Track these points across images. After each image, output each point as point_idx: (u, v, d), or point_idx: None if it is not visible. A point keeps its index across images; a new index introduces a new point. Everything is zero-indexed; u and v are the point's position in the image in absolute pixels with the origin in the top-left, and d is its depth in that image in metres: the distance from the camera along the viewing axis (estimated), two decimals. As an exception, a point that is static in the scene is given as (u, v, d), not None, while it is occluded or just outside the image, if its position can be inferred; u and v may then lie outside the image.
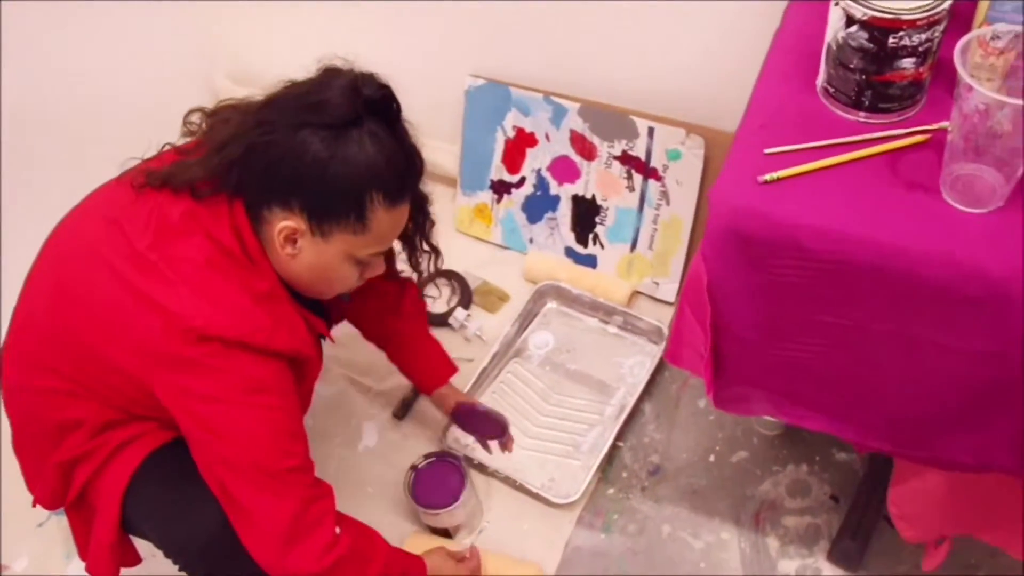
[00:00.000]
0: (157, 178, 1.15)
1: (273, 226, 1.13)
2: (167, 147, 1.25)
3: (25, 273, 1.27)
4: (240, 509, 1.14)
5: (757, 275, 1.01)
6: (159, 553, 1.29)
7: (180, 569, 1.26)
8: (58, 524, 1.71)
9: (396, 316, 1.55)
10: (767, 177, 1.00)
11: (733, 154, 1.04)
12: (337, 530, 1.17)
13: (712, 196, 1.01)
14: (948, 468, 1.15)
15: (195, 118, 1.23)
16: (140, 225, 1.13)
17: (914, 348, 1.01)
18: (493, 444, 1.63)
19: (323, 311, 1.37)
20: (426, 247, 1.39)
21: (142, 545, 1.34)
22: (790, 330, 1.05)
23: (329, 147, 1.07)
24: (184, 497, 1.19)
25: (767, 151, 1.03)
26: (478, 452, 1.68)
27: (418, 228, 1.34)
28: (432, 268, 1.42)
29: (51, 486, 1.30)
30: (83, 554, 1.34)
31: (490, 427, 1.59)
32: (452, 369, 1.61)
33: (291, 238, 1.13)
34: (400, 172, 1.14)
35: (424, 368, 1.61)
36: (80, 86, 1.95)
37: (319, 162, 1.07)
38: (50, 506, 1.34)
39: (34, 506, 1.37)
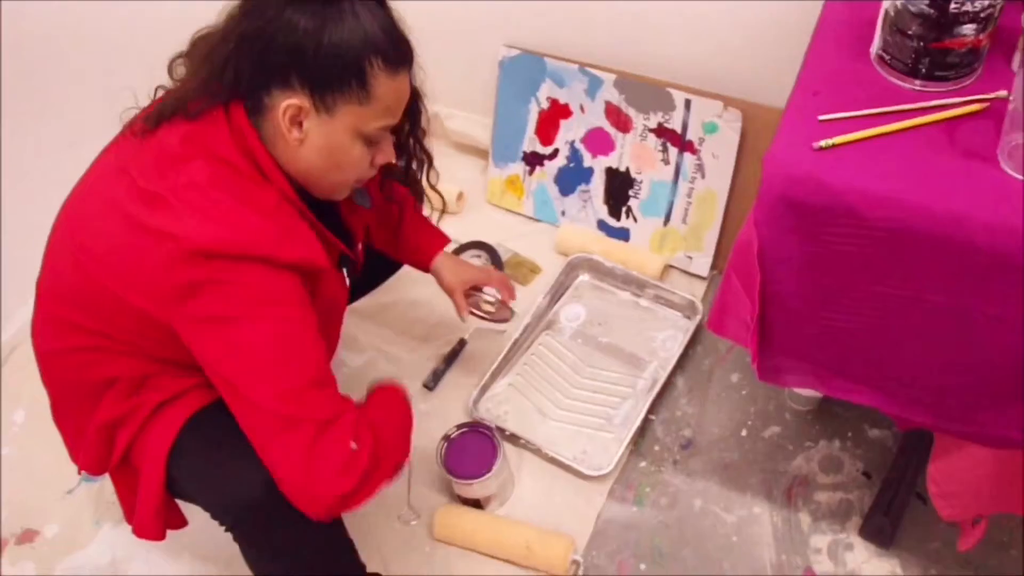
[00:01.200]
0: (153, 118, 1.14)
1: (276, 112, 1.10)
2: (160, 91, 1.23)
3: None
4: (264, 446, 1.13)
5: (810, 243, 1.00)
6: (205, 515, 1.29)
7: (227, 530, 1.26)
8: (87, 491, 1.72)
9: (399, 225, 1.56)
10: (822, 143, 0.98)
11: (786, 121, 1.03)
12: (353, 445, 1.14)
13: (766, 162, 1.00)
14: (994, 444, 1.13)
15: (179, 62, 1.21)
16: (146, 165, 1.12)
17: (967, 320, 1.00)
18: (497, 306, 1.63)
19: (345, 235, 1.36)
20: (420, 153, 1.38)
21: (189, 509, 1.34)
22: (840, 300, 1.04)
23: (320, 18, 1.06)
24: (229, 457, 1.19)
25: (821, 118, 1.02)
26: (510, 423, 1.68)
27: (412, 128, 1.33)
28: (426, 177, 1.43)
29: (94, 451, 1.30)
30: (129, 517, 1.35)
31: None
32: (445, 239, 1.62)
33: (296, 119, 1.11)
34: (395, 39, 1.12)
35: (418, 245, 1.60)
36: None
37: (312, 32, 1.06)
38: (95, 471, 1.34)
39: (79, 473, 1.38)
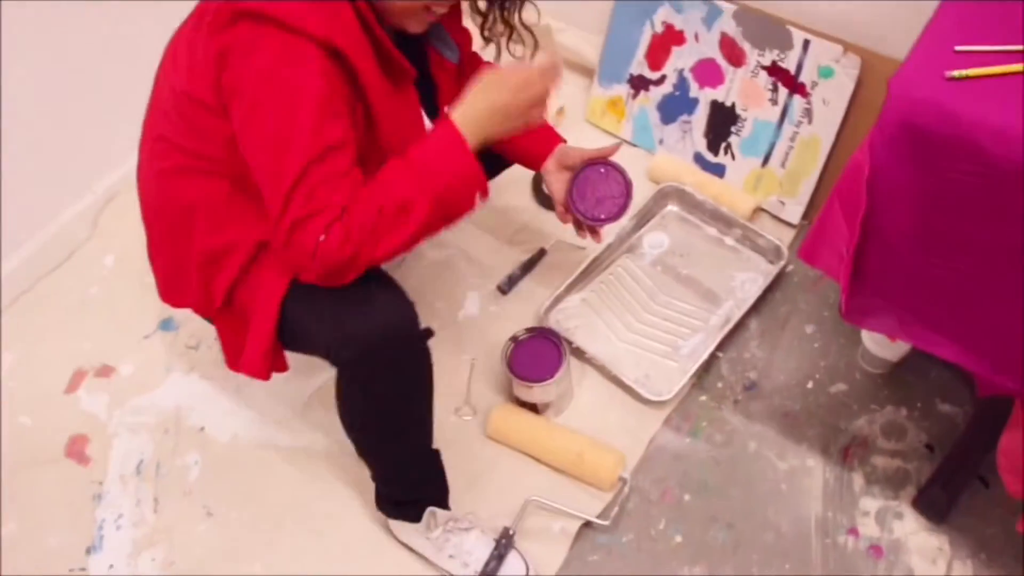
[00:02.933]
0: None
1: None
2: None
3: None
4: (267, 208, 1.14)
5: (926, 176, 0.96)
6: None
7: (340, 367, 1.26)
8: (162, 338, 1.79)
9: None
10: (955, 73, 0.95)
11: (920, 47, 0.99)
12: (321, 237, 1.10)
13: (892, 84, 0.96)
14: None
15: None
16: None
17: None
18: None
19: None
20: None
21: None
22: (946, 242, 1.01)
23: None
24: (354, 297, 1.19)
25: (958, 48, 0.98)
26: (578, 337, 1.69)
27: None
28: (518, 14, 1.40)
29: (197, 290, 1.34)
30: (231, 360, 1.38)
31: (609, 199, 1.48)
32: (558, 138, 1.54)
33: None
34: None
35: (530, 142, 1.53)
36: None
37: None
38: (201, 311, 1.39)
39: (178, 307, 1.43)
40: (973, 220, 0.98)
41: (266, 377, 1.31)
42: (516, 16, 1.42)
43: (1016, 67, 0.96)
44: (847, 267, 1.08)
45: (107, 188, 1.99)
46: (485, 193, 1.23)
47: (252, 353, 1.29)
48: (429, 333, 1.29)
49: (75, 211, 1.95)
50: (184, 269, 1.33)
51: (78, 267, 1.93)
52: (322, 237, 1.10)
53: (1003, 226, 0.96)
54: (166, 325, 1.80)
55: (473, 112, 1.20)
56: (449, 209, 1.19)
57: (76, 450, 1.64)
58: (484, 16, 1.43)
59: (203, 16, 1.14)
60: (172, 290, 1.41)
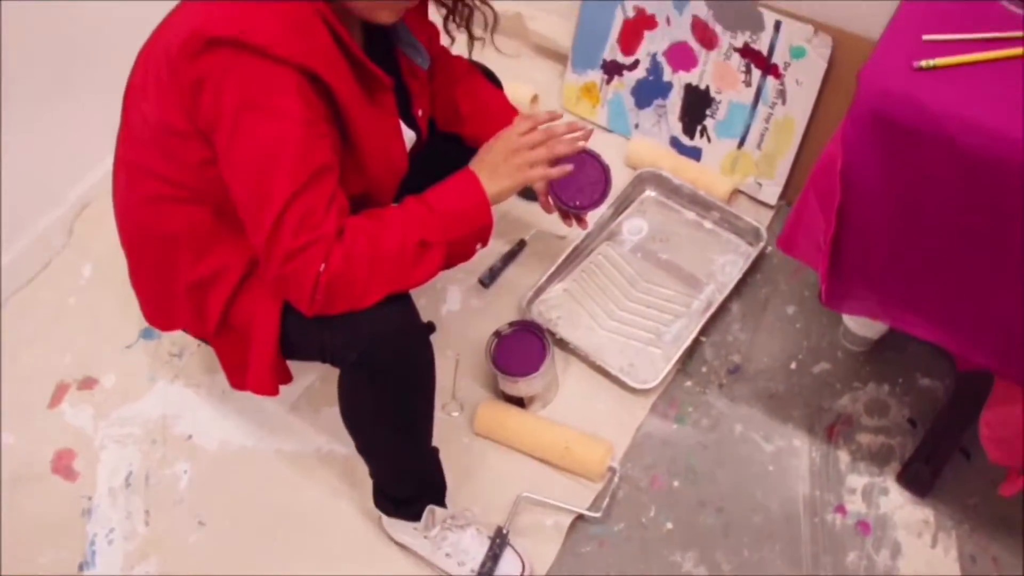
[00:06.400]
0: None
1: None
2: None
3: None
4: (254, 242, 1.14)
5: (897, 165, 0.97)
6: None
7: (348, 366, 1.25)
8: (145, 347, 1.78)
9: (456, 82, 1.53)
10: (923, 63, 0.95)
11: (888, 37, 0.99)
12: (322, 266, 1.10)
13: (862, 77, 0.96)
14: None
15: None
16: None
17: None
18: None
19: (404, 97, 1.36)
20: None
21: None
22: (919, 228, 1.02)
23: None
24: None
25: (925, 37, 0.98)
26: (561, 328, 1.69)
27: None
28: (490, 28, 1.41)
29: (188, 313, 1.32)
30: (234, 379, 1.37)
31: (588, 185, 1.48)
32: (514, 111, 1.54)
33: None
34: None
35: (487, 119, 1.52)
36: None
37: None
38: (195, 334, 1.38)
39: (167, 330, 1.42)
40: (946, 207, 0.99)
41: (275, 393, 1.31)
42: None
43: (983, 55, 0.96)
44: (825, 257, 1.09)
45: (80, 195, 1.97)
46: (486, 243, 1.30)
47: (258, 371, 1.29)
48: (431, 328, 1.29)
49: (50, 220, 1.93)
50: (171, 295, 1.32)
51: (55, 277, 1.91)
52: (322, 267, 1.10)
53: (972, 210, 0.97)
54: (148, 334, 1.79)
55: (490, 168, 1.30)
56: (455, 258, 1.25)
57: (63, 465, 1.64)
58: (449, 9, 1.41)
59: (170, 40, 1.10)
60: (160, 315, 1.40)
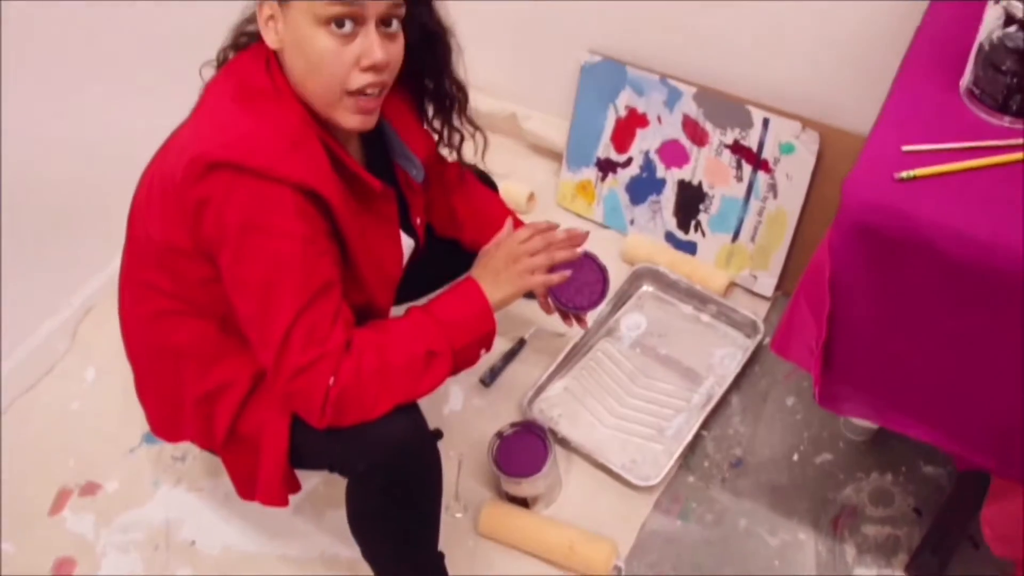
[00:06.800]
0: (218, 61, 1.23)
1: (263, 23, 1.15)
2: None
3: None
4: (261, 357, 1.16)
5: (884, 274, 0.99)
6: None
7: (357, 476, 1.26)
8: (148, 452, 1.78)
9: (451, 190, 1.57)
10: (904, 175, 0.98)
11: (869, 149, 1.02)
12: (331, 381, 1.12)
13: (845, 189, 0.99)
14: (1057, 492, 1.11)
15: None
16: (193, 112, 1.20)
17: (1039, 364, 0.98)
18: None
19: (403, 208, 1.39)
20: (451, 90, 1.39)
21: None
22: (909, 333, 1.03)
23: None
24: None
25: (905, 148, 1.01)
26: (562, 426, 1.69)
27: (437, 64, 1.34)
28: (461, 116, 1.43)
29: (196, 425, 1.34)
30: (244, 491, 1.37)
31: (587, 286, 1.50)
32: (508, 211, 1.59)
33: (271, 22, 1.13)
34: None
35: (482, 224, 1.57)
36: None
37: None
38: (203, 446, 1.38)
39: (174, 442, 1.44)
40: (931, 311, 1.00)
41: (285, 504, 1.32)
42: (459, 118, 1.44)
43: (960, 165, 0.99)
44: (817, 360, 1.10)
45: (84, 300, 2.00)
46: (490, 348, 1.32)
47: (268, 483, 1.29)
48: (438, 435, 1.31)
49: (53, 325, 1.95)
50: (178, 408, 1.34)
51: (59, 382, 1.92)
52: (332, 380, 1.12)
53: (959, 315, 0.99)
54: (151, 438, 1.79)
55: (492, 276, 1.34)
56: (461, 365, 1.26)
57: (63, 574, 1.62)
58: (440, 135, 1.46)
59: (174, 163, 1.14)
60: (167, 428, 1.41)
